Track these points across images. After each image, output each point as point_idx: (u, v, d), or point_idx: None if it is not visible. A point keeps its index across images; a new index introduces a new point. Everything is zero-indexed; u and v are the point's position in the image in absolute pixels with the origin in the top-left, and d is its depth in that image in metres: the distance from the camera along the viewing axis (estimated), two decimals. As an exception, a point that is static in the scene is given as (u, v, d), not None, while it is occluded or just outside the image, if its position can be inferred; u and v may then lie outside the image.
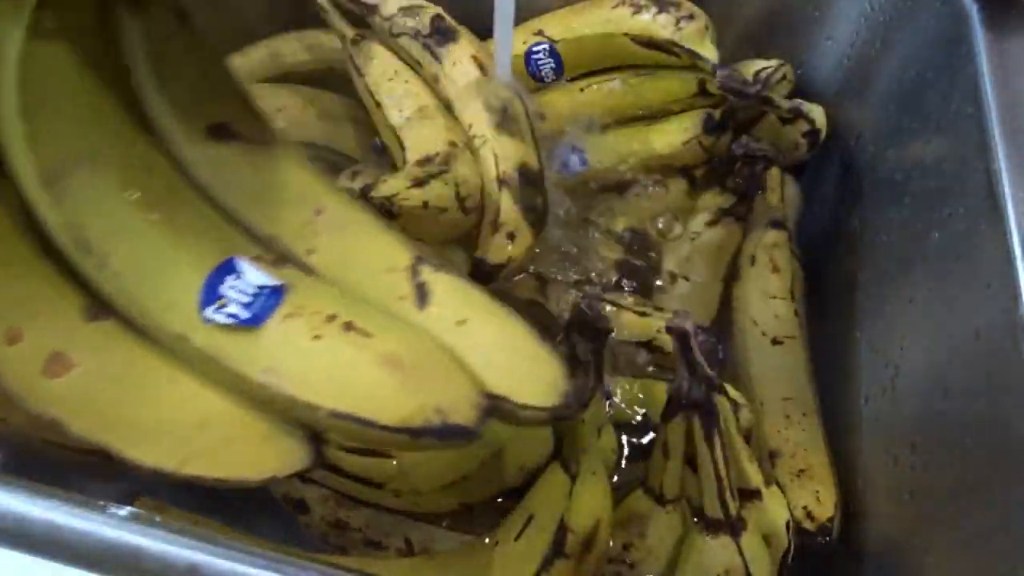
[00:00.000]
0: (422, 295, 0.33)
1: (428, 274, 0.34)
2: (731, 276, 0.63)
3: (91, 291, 0.33)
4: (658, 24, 0.64)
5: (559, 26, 0.67)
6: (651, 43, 0.64)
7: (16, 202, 0.33)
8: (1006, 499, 0.41)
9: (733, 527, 0.43)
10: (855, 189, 0.63)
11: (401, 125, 0.61)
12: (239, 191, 0.34)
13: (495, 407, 0.31)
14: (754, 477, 0.46)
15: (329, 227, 0.34)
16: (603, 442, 0.49)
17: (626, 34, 0.65)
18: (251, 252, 0.35)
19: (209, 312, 0.32)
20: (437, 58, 0.62)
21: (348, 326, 0.32)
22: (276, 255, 0.35)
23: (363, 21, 0.66)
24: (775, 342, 0.59)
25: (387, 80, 0.63)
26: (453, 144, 0.58)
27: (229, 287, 0.33)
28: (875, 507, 0.52)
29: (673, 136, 0.66)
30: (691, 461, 0.45)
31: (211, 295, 0.33)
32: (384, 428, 0.30)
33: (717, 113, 0.65)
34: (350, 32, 0.65)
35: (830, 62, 0.66)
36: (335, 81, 0.68)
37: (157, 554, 0.31)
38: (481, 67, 0.62)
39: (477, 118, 0.60)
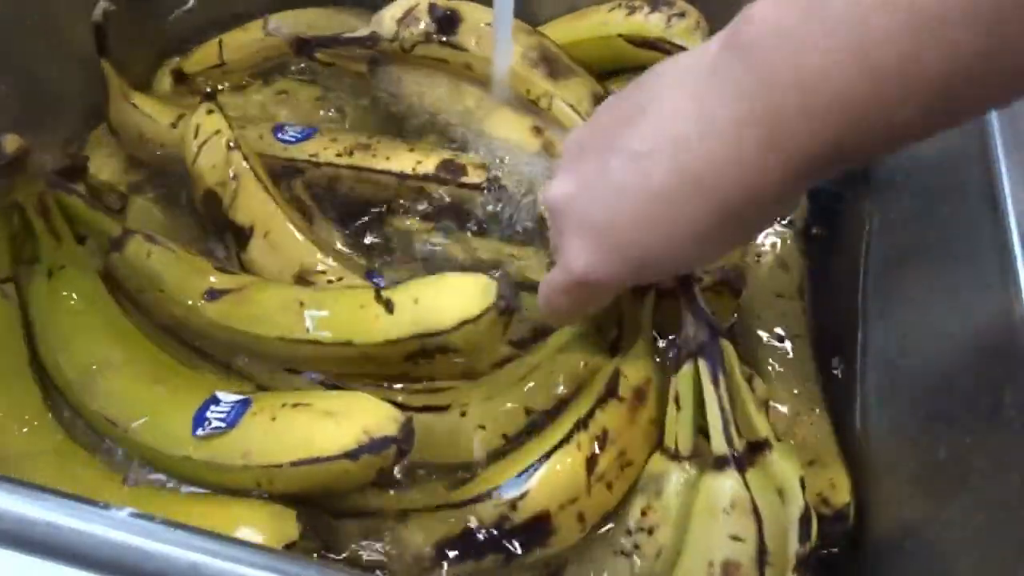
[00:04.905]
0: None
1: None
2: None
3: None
4: (650, 23, 0.65)
5: (557, 32, 0.67)
6: (644, 42, 0.66)
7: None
8: (1006, 498, 0.41)
9: (739, 462, 0.43)
10: (854, 188, 0.63)
11: (474, 127, 0.62)
12: (228, 343, 0.51)
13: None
14: (762, 427, 0.45)
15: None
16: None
17: (620, 35, 0.66)
18: (231, 388, 0.50)
19: (199, 432, 0.46)
20: (457, 47, 0.62)
21: (295, 405, 0.46)
22: (253, 386, 0.51)
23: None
24: (782, 340, 0.59)
25: (428, 95, 0.64)
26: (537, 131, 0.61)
27: (211, 412, 0.47)
28: (881, 500, 0.52)
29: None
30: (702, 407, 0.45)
31: (199, 421, 0.46)
32: (329, 458, 0.43)
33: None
34: (363, 68, 0.64)
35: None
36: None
37: (157, 554, 0.31)
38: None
39: (530, 80, 0.61)
